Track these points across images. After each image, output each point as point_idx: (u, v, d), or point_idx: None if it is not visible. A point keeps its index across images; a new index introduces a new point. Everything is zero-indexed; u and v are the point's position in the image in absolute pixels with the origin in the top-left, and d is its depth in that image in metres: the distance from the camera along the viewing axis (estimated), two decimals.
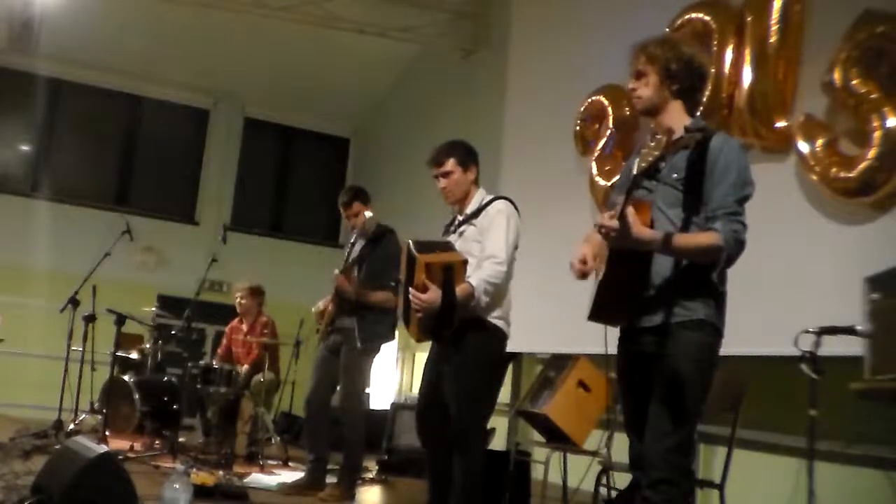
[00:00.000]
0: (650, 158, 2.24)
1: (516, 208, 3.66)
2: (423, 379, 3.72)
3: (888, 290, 2.77)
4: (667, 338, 2.47)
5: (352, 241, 4.94)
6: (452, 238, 3.68)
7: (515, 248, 3.60)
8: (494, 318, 3.50)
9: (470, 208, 3.69)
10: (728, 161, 2.43)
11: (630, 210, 2.27)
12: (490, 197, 3.70)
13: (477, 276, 3.40)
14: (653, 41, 2.64)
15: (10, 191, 10.44)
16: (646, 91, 2.60)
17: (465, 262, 3.42)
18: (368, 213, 4.91)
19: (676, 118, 2.58)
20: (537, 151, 6.60)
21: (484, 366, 3.49)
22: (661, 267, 2.49)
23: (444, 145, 3.76)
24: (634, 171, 2.27)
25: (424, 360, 3.74)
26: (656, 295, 2.50)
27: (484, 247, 3.52)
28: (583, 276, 2.63)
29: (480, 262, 3.47)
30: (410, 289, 3.33)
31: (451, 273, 3.33)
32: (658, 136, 2.26)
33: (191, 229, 11.18)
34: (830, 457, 3.75)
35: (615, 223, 2.25)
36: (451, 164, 3.69)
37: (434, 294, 3.29)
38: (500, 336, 3.54)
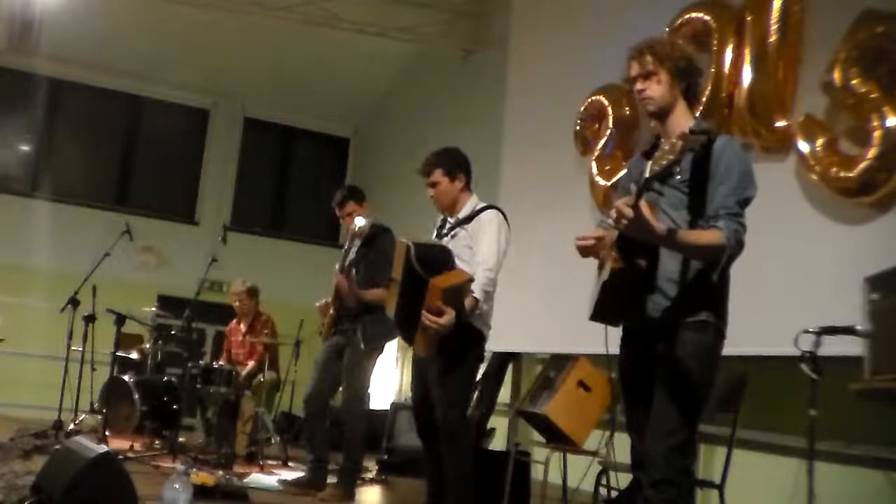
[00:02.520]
0: (664, 162, 2.20)
1: (506, 219, 3.78)
2: (413, 378, 3.88)
3: (888, 290, 2.77)
4: (669, 339, 2.48)
5: (346, 242, 4.90)
6: (445, 241, 3.80)
7: (503, 256, 3.72)
8: (477, 323, 3.65)
9: (462, 213, 3.81)
10: (730, 163, 2.44)
11: (643, 202, 2.25)
12: (483, 205, 3.82)
13: (477, 288, 3.52)
14: (656, 41, 2.63)
15: (10, 191, 10.44)
16: (658, 90, 2.57)
17: (472, 280, 3.52)
18: (359, 218, 4.84)
19: (683, 119, 2.59)
20: (537, 151, 6.60)
21: (466, 368, 3.71)
22: (665, 268, 2.49)
23: (432, 155, 3.86)
24: (647, 174, 2.24)
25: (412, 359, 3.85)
26: (659, 296, 2.50)
27: (475, 253, 3.65)
28: (586, 252, 2.62)
29: (473, 269, 3.58)
30: (424, 312, 3.38)
31: (461, 294, 3.44)
32: (674, 140, 2.22)
33: (191, 229, 11.18)
34: (830, 457, 3.75)
35: (630, 210, 2.22)
36: (437, 174, 3.81)
37: (450, 317, 3.37)
38: (479, 339, 3.72)
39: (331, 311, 4.89)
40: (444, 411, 3.62)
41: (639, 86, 2.60)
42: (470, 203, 3.84)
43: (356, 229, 4.80)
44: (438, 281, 3.40)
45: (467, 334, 3.58)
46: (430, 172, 3.81)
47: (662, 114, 2.61)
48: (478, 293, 3.51)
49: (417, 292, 3.44)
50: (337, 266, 4.82)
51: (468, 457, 3.65)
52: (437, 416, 3.64)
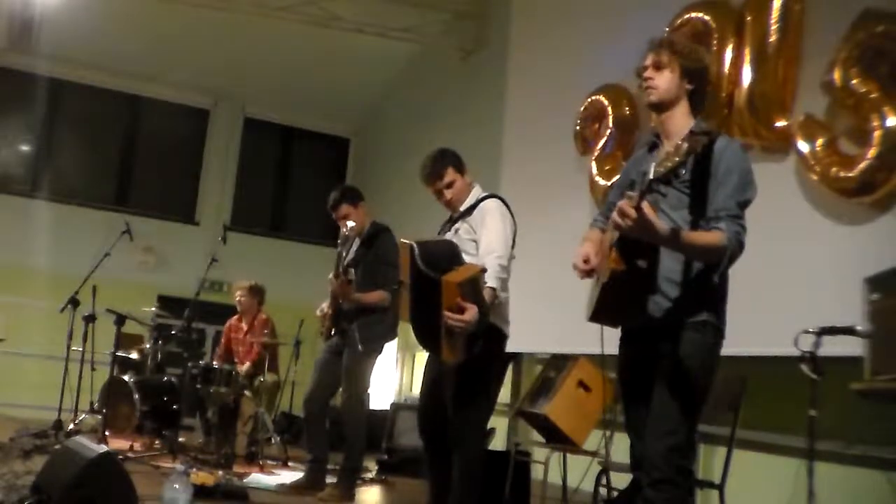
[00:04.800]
0: (669, 164, 2.19)
1: (508, 208, 3.66)
2: (424, 378, 3.74)
3: (888, 290, 2.77)
4: (668, 339, 2.48)
5: (339, 247, 4.81)
6: (449, 236, 3.68)
7: (512, 245, 3.58)
8: (494, 319, 3.46)
9: (465, 205, 3.70)
10: (731, 164, 2.45)
11: (646, 203, 2.26)
12: (483, 194, 3.71)
13: (491, 277, 3.36)
14: (677, 39, 2.68)
15: (10, 191, 10.45)
16: (663, 82, 2.59)
17: (485, 270, 3.36)
18: (350, 223, 4.78)
19: (682, 118, 2.60)
20: (537, 151, 6.60)
21: (483, 367, 3.47)
22: (666, 269, 2.49)
23: (435, 159, 3.73)
24: (650, 175, 2.24)
25: (425, 360, 3.75)
26: (660, 296, 2.51)
27: (481, 243, 3.51)
28: (587, 275, 2.63)
29: (482, 259, 3.44)
30: (447, 313, 3.15)
31: (477, 286, 3.28)
32: (679, 142, 2.22)
33: (191, 229, 11.19)
34: (830, 457, 3.75)
35: (633, 212, 2.21)
36: (451, 173, 3.70)
37: (473, 312, 3.17)
38: (499, 336, 3.54)
39: (329, 311, 4.88)
40: (455, 413, 3.46)
41: (647, 73, 2.62)
42: (472, 195, 3.73)
43: (346, 232, 4.77)
44: (451, 277, 3.21)
45: (487, 333, 3.35)
46: (443, 174, 3.68)
47: (662, 107, 2.62)
48: (492, 282, 3.33)
49: (431, 295, 3.24)
50: (332, 274, 4.77)
51: (477, 464, 3.49)
52: (450, 421, 3.47)
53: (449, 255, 3.42)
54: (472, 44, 8.67)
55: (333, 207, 4.93)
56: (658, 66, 2.60)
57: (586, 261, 2.62)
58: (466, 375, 3.43)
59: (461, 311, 3.15)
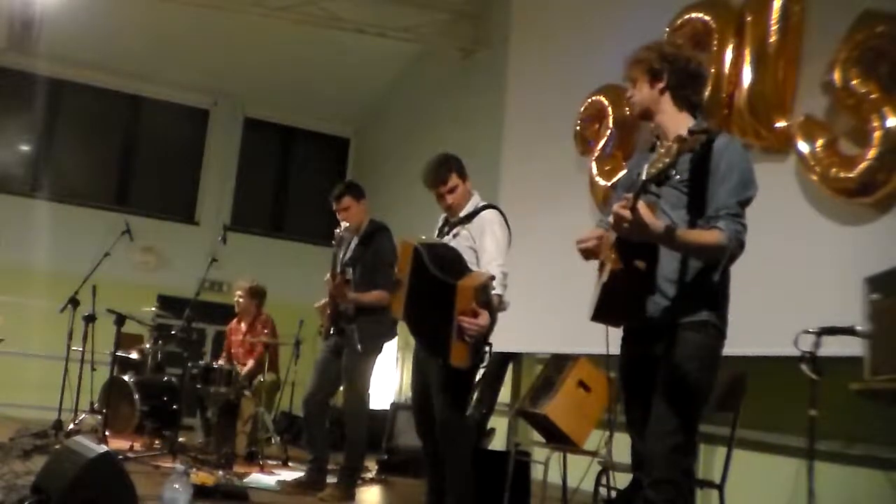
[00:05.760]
0: (660, 165, 2.20)
1: (506, 220, 3.78)
2: (413, 377, 3.86)
3: (888, 290, 2.77)
4: (669, 339, 2.48)
5: (335, 248, 4.84)
6: (447, 239, 3.78)
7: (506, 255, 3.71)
8: None
9: (464, 212, 3.80)
10: (731, 163, 2.45)
11: (641, 203, 2.26)
12: (483, 203, 3.83)
13: (498, 285, 3.49)
14: (642, 48, 2.70)
15: (10, 191, 10.45)
16: (636, 94, 2.66)
17: (492, 278, 3.47)
18: (345, 223, 4.82)
19: (673, 118, 2.60)
20: (537, 151, 6.59)
21: (467, 370, 3.59)
22: (665, 268, 2.49)
23: (439, 163, 3.82)
24: (644, 177, 2.25)
25: (412, 360, 3.83)
26: (660, 296, 2.51)
27: (482, 252, 3.63)
28: (587, 255, 2.64)
29: (485, 267, 3.56)
30: (463, 318, 3.27)
31: (488, 292, 3.38)
32: (670, 143, 2.23)
33: (191, 229, 11.18)
34: (830, 457, 3.75)
35: (628, 213, 2.23)
36: (454, 178, 3.80)
37: (486, 317, 3.30)
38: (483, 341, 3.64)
39: (327, 311, 4.88)
40: (444, 413, 3.61)
41: (627, 94, 2.72)
42: (472, 202, 3.84)
43: (340, 232, 4.78)
44: (467, 282, 3.31)
45: None
46: (447, 179, 3.78)
47: (647, 115, 2.67)
48: (499, 289, 3.48)
49: (441, 299, 3.33)
50: (328, 275, 4.77)
51: (467, 458, 3.64)
52: (436, 417, 3.63)
53: (456, 261, 3.54)
54: (472, 44, 8.65)
55: (337, 198, 4.95)
56: (633, 82, 2.68)
57: (593, 241, 2.62)
58: (451, 378, 3.55)
59: (475, 315, 3.26)
